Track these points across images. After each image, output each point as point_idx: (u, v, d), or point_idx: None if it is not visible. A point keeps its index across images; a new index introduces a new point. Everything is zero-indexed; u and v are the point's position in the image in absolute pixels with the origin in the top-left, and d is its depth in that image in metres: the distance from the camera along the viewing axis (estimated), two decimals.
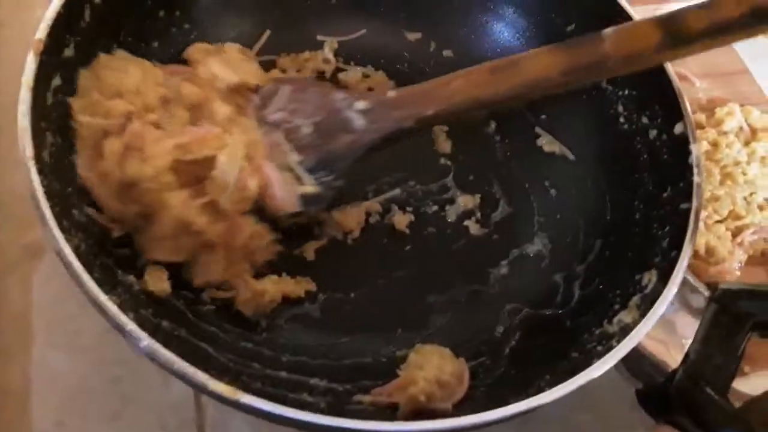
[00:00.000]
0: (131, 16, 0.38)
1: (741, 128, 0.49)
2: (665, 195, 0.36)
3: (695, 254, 0.43)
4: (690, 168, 0.35)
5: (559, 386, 0.28)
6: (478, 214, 0.43)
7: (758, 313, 0.31)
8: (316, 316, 0.37)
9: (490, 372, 0.34)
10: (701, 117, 0.50)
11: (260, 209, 0.36)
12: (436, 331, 0.37)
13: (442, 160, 0.44)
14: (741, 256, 0.44)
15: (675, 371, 0.29)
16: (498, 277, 0.40)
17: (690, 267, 0.42)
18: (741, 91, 0.52)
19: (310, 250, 0.39)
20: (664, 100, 0.38)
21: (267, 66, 0.44)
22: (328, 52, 0.47)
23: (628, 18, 0.38)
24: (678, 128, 0.36)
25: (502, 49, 0.46)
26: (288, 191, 0.36)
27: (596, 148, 0.42)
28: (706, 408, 0.28)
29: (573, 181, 0.43)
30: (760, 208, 0.46)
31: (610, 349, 0.29)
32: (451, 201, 0.43)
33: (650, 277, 0.33)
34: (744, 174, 0.47)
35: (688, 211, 0.33)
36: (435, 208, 0.42)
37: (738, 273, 0.43)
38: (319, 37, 0.47)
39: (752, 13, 0.31)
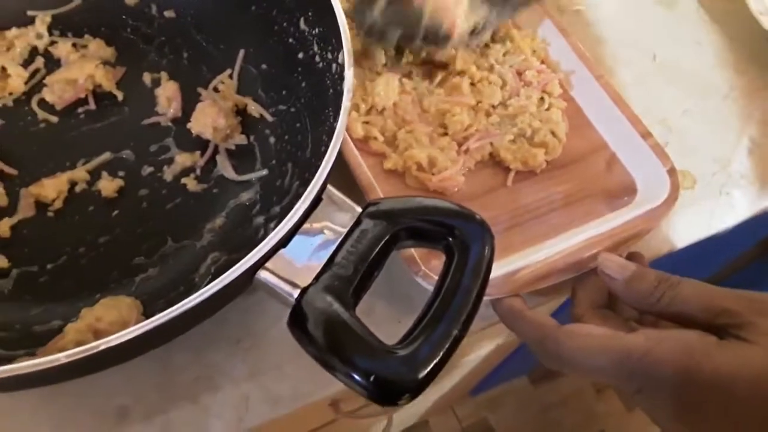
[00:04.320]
0: None
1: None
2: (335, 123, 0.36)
3: (418, 166, 0.44)
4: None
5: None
6: (198, 171, 0.43)
7: (400, 222, 0.32)
8: (7, 291, 0.36)
9: None
10: None
11: None
12: (136, 288, 0.37)
13: (163, 122, 0.44)
14: (468, 162, 0.45)
15: (306, 288, 0.30)
16: (210, 229, 0.40)
17: (407, 178, 0.44)
18: None
19: (4, 227, 0.38)
20: (336, 33, 0.38)
21: None
22: (40, 27, 0.45)
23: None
24: (340, 57, 0.37)
25: None
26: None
27: (305, 92, 0.42)
28: (332, 323, 0.28)
29: (289, 128, 0.43)
30: (487, 114, 0.47)
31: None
32: (170, 161, 0.43)
33: None
34: (473, 84, 0.48)
35: (332, 131, 0.33)
36: (150, 169, 0.42)
37: (461, 177, 0.44)
38: (30, 13, 0.46)
39: None
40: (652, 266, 0.46)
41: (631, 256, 0.41)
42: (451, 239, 0.32)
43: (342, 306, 0.29)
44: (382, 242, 0.31)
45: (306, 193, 0.31)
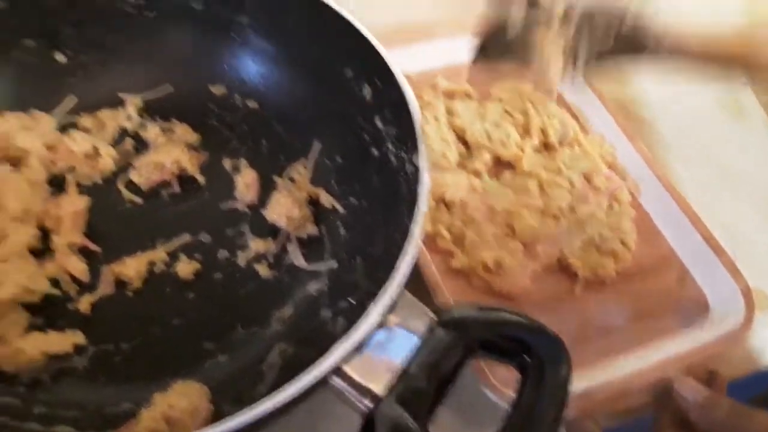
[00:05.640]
0: None
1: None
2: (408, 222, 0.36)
3: (485, 267, 0.44)
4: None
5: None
6: (270, 258, 0.44)
7: (474, 334, 0.32)
8: (83, 368, 0.37)
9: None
10: None
11: None
12: (205, 373, 0.38)
13: (240, 207, 0.46)
14: (535, 266, 0.45)
15: (381, 398, 0.29)
16: (279, 318, 0.41)
17: (473, 278, 0.44)
18: None
19: (85, 303, 0.39)
20: (412, 135, 0.39)
21: (66, 128, 0.46)
22: (130, 109, 0.48)
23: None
24: (415, 159, 0.38)
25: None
26: None
27: (378, 188, 0.43)
28: None
29: (360, 221, 0.44)
30: (555, 218, 0.47)
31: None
32: (244, 246, 0.44)
33: None
34: (541, 188, 0.48)
35: (406, 231, 0.34)
36: (226, 253, 0.43)
37: (528, 281, 0.44)
38: (121, 95, 0.49)
39: None
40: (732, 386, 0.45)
41: (710, 377, 0.40)
42: (526, 356, 0.32)
43: (416, 422, 0.29)
44: (457, 355, 0.31)
45: (382, 299, 0.32)
